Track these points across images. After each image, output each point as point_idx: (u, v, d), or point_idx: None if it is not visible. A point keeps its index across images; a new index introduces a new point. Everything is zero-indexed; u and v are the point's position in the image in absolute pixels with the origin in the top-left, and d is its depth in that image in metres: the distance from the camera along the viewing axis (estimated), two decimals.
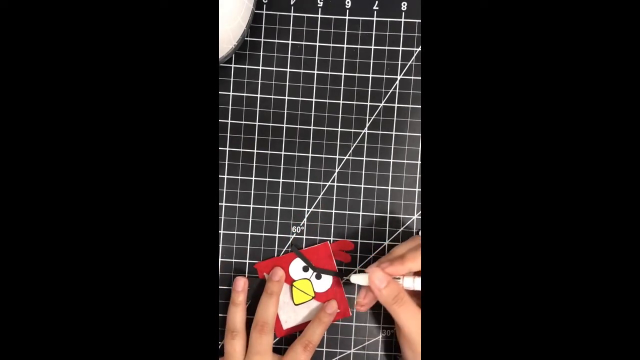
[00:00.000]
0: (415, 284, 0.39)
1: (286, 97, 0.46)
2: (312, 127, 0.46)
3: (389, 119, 0.46)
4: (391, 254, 0.41)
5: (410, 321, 0.38)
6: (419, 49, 0.45)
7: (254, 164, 0.46)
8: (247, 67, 0.46)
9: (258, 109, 0.46)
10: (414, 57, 0.45)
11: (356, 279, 0.40)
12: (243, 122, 0.46)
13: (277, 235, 0.46)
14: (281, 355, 0.43)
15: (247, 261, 0.46)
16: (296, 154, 0.46)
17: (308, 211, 0.46)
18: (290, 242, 0.46)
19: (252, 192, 0.46)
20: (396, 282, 0.39)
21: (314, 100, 0.46)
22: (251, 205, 0.46)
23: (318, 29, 0.46)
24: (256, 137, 0.46)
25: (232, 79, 0.46)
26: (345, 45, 0.46)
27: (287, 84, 0.46)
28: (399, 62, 0.45)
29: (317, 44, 0.46)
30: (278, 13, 0.46)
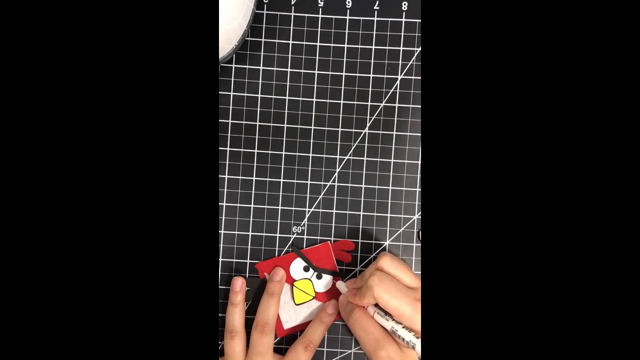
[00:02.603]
0: (375, 318, 0.40)
1: (287, 97, 0.46)
2: (312, 127, 0.46)
3: (389, 119, 0.45)
4: (361, 279, 0.42)
5: (360, 333, 0.40)
6: (420, 49, 0.45)
7: (255, 164, 0.46)
8: (247, 67, 0.46)
9: (259, 109, 0.46)
10: (414, 57, 0.45)
11: (339, 285, 0.44)
12: (244, 122, 0.46)
13: (277, 235, 0.46)
14: (282, 355, 0.43)
15: (248, 261, 0.46)
16: (297, 154, 0.46)
17: (309, 211, 0.46)
18: (291, 242, 0.46)
19: (253, 192, 0.46)
20: (351, 303, 0.41)
21: (314, 100, 0.46)
22: (252, 205, 0.46)
23: (319, 29, 0.46)
24: (257, 137, 0.46)
25: (232, 79, 0.46)
26: (346, 45, 0.46)
27: (288, 84, 0.46)
28: (400, 62, 0.45)
29: (318, 43, 0.46)
30: (279, 13, 0.46)
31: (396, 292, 0.38)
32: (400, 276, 0.39)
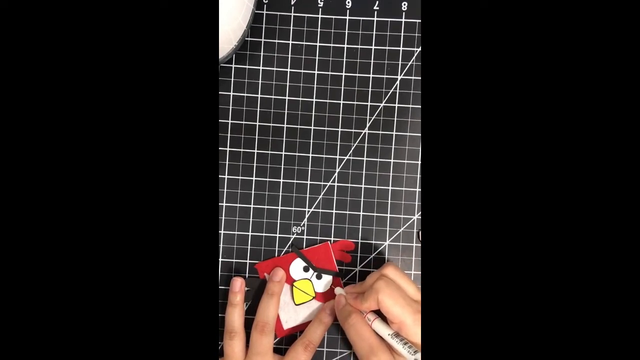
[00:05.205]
0: (374, 325, 0.40)
1: (287, 97, 0.46)
2: (312, 128, 0.46)
3: (389, 119, 0.45)
4: (363, 285, 0.42)
5: (356, 338, 0.40)
6: (420, 49, 0.45)
7: (255, 164, 0.46)
8: (247, 67, 0.46)
9: (258, 109, 0.46)
10: (414, 57, 0.45)
11: (338, 291, 0.44)
12: (243, 122, 0.46)
13: (277, 235, 0.46)
14: (282, 355, 0.43)
15: (248, 261, 0.46)
16: (297, 154, 0.46)
17: (308, 211, 0.46)
18: (290, 242, 0.46)
19: (253, 192, 0.46)
20: (349, 306, 0.42)
21: (314, 100, 0.46)
22: (252, 206, 0.46)
23: (318, 29, 0.46)
24: (257, 137, 0.46)
25: (232, 79, 0.46)
26: (345, 46, 0.46)
27: (288, 84, 0.46)
28: (400, 62, 0.45)
29: (318, 44, 0.46)
30: (278, 13, 0.46)
31: (400, 300, 0.38)
32: (404, 287, 0.40)
